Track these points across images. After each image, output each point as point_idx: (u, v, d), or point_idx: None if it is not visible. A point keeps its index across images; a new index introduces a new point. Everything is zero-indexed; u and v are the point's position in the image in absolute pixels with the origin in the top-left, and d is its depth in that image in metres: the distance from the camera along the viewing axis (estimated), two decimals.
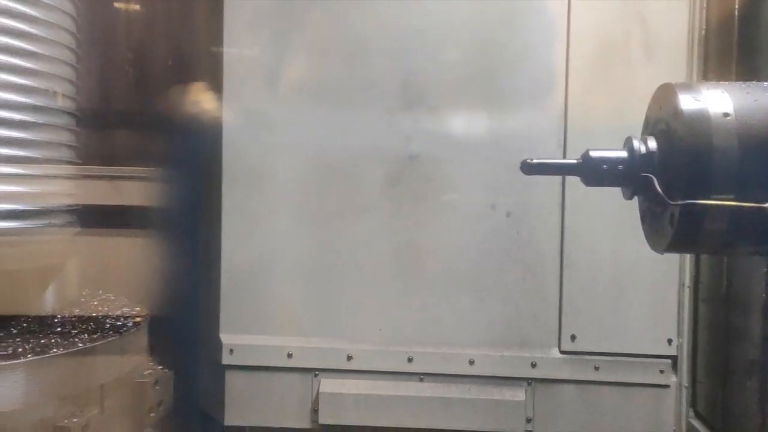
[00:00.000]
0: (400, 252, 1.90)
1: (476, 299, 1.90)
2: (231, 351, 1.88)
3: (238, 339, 1.89)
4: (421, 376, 1.91)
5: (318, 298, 1.91)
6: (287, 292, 1.91)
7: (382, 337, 1.91)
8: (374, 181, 1.89)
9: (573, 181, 1.82)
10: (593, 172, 1.10)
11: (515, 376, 1.89)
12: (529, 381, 1.89)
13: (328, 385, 1.90)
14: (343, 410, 1.88)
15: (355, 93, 1.90)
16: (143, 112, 1.91)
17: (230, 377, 1.90)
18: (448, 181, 1.90)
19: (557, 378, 1.89)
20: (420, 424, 1.88)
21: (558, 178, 1.85)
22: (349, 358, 1.91)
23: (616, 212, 1.74)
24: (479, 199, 1.89)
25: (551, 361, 1.89)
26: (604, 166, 1.09)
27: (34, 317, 1.27)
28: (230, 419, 1.89)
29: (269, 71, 1.92)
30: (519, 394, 1.88)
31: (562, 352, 1.89)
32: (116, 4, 1.87)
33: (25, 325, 1.24)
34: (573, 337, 1.89)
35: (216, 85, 1.84)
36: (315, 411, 1.90)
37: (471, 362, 1.89)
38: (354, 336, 1.91)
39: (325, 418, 1.88)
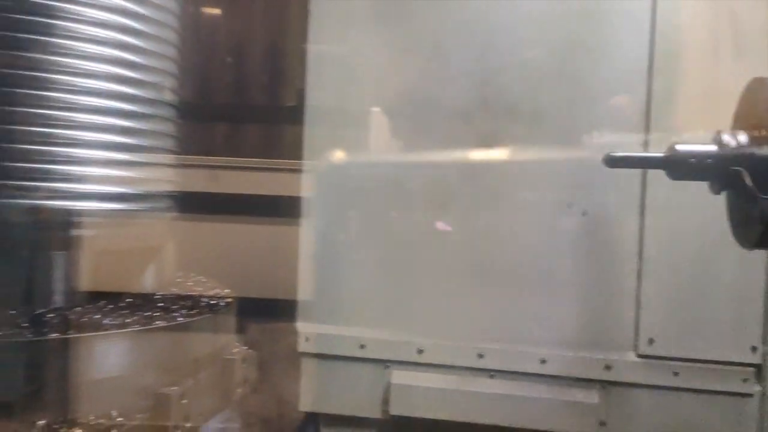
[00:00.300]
0: (474, 248, 1.91)
1: (550, 298, 1.89)
2: (306, 339, 1.94)
3: (313, 328, 1.94)
4: (492, 373, 1.90)
5: (391, 291, 1.94)
6: (362, 283, 1.95)
7: (454, 332, 1.92)
8: (450, 177, 1.91)
9: (654, 179, 1.80)
10: (680, 166, 1.09)
11: (588, 377, 1.86)
12: (603, 384, 1.86)
13: (399, 376, 1.92)
14: (414, 402, 1.90)
15: (432, 91, 1.93)
16: (236, 106, 2.00)
17: (305, 364, 1.95)
18: (525, 179, 1.90)
19: (633, 382, 1.85)
20: (490, 420, 1.88)
21: (638, 177, 1.82)
22: (420, 351, 1.93)
23: (699, 212, 1.69)
24: (555, 197, 1.88)
25: (627, 365, 1.85)
26: (692, 159, 1.08)
27: (138, 294, 1.36)
28: (304, 405, 1.94)
29: (347, 68, 1.97)
30: (592, 397, 1.85)
31: (639, 356, 1.85)
32: (213, 3, 1.97)
33: (130, 300, 1.33)
34: (651, 341, 1.84)
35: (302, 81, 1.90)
36: (386, 402, 1.93)
37: (542, 361, 1.88)
38: (426, 330, 1.93)
39: (395, 409, 1.91)
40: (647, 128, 1.81)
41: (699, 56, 1.80)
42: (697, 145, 1.08)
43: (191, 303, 1.39)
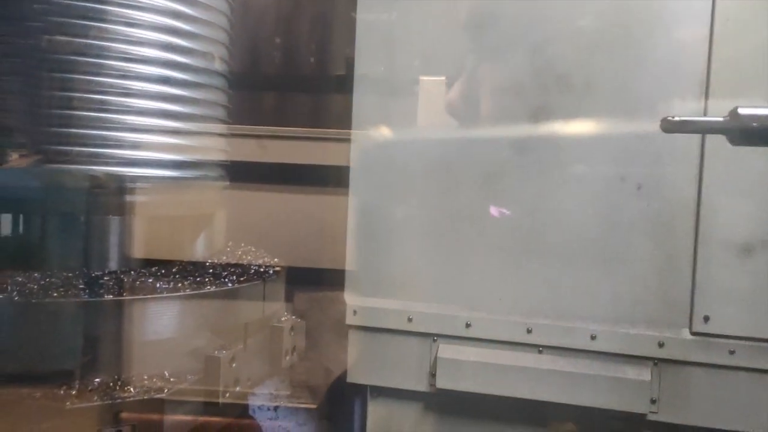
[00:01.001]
0: (524, 222, 1.88)
1: (601, 273, 1.85)
2: (354, 312, 1.95)
3: (360, 301, 1.96)
4: (540, 348, 1.89)
5: (439, 265, 1.94)
6: (409, 256, 1.95)
7: (502, 306, 1.91)
8: (499, 149, 1.88)
9: (712, 151, 1.74)
10: (742, 130, 1.05)
11: (640, 354, 1.82)
12: (656, 361, 1.82)
13: (446, 350, 1.92)
14: (461, 376, 1.90)
15: (481, 62, 1.90)
16: (285, 75, 2.01)
17: (353, 337, 1.97)
18: (576, 151, 1.86)
19: (687, 360, 1.80)
20: (538, 396, 1.86)
21: (696, 149, 1.76)
22: (468, 325, 1.92)
23: (759, 185, 1.63)
24: (608, 170, 1.83)
25: (681, 342, 1.81)
26: (755, 123, 1.04)
27: (189, 261, 1.40)
28: (352, 377, 1.97)
29: (396, 37, 1.96)
30: (644, 374, 1.81)
31: (694, 334, 1.80)
32: None
33: (181, 266, 1.37)
34: (706, 318, 1.79)
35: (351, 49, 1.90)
36: (432, 375, 1.93)
37: (593, 337, 1.85)
38: (473, 304, 1.92)
39: (442, 383, 1.91)
40: (706, 96, 1.74)
41: (761, 20, 1.72)
42: (760, 108, 1.04)
43: (241, 270, 1.41)
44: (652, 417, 1.81)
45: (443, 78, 1.91)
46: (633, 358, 1.83)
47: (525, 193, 1.88)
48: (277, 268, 1.50)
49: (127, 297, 1.18)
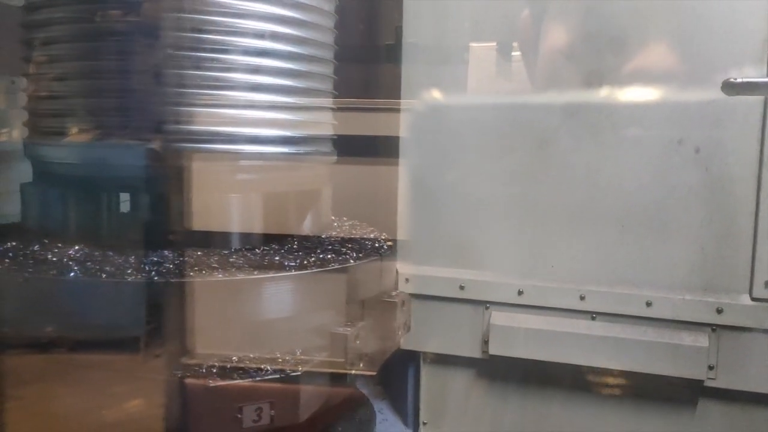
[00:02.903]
0: (577, 187, 1.86)
1: (656, 239, 1.82)
2: (407, 280, 1.98)
3: (413, 269, 1.98)
4: (594, 315, 1.88)
5: (491, 232, 1.94)
6: (461, 224, 1.95)
7: (554, 273, 1.90)
8: (552, 115, 1.86)
9: None
10: None
11: (698, 321, 1.80)
12: (714, 327, 1.79)
13: (498, 317, 1.93)
14: (513, 343, 1.91)
15: (531, 27, 1.87)
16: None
17: None
18: (630, 114, 1.82)
19: (747, 326, 1.77)
20: (591, 362, 1.86)
21: (757, 110, 1.68)
22: (520, 293, 1.92)
23: None
24: (664, 133, 1.79)
25: (740, 308, 1.77)
26: None
27: (306, 237, 1.42)
28: (406, 344, 2.00)
29: (444, 3, 1.94)
30: (701, 340, 1.79)
31: (754, 299, 1.76)
32: None
33: (297, 242, 1.38)
34: (767, 284, 1.75)
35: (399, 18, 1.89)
36: (485, 342, 1.95)
37: (648, 304, 1.83)
38: (525, 271, 1.92)
39: (495, 349, 1.92)
40: None
41: None
42: None
43: (358, 246, 1.44)
44: (709, 383, 1.79)
45: (494, 44, 1.89)
46: (690, 325, 1.80)
47: (578, 158, 1.85)
48: (389, 243, 1.51)
49: (264, 275, 1.21)
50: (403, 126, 1.94)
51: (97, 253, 1.23)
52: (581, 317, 1.88)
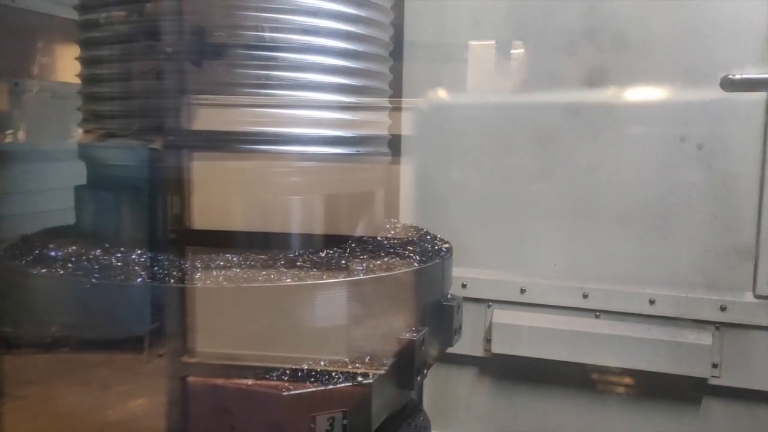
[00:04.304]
0: (579, 185, 1.85)
1: (659, 236, 1.81)
2: None
3: None
4: (597, 313, 1.87)
5: (493, 230, 1.94)
6: (462, 223, 1.95)
7: (557, 271, 1.90)
8: (554, 113, 1.85)
9: None
10: None
11: (701, 318, 1.79)
12: (717, 325, 1.78)
13: (501, 316, 1.93)
14: (516, 341, 1.91)
15: (534, 22, 1.87)
16: None
17: None
18: (632, 112, 1.82)
19: (751, 324, 1.76)
20: (595, 360, 1.86)
21: (760, 107, 1.68)
22: (523, 291, 1.92)
23: None
24: (666, 130, 1.78)
25: (744, 306, 1.76)
26: None
27: (365, 239, 1.39)
28: None
29: (446, 8, 1.94)
30: (705, 338, 1.78)
31: (757, 297, 1.75)
32: None
33: (357, 244, 1.35)
34: None
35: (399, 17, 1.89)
36: (488, 341, 1.94)
37: (651, 302, 1.82)
38: (528, 269, 1.92)
39: (498, 348, 1.92)
40: None
41: None
42: None
43: (419, 249, 1.41)
44: (713, 381, 1.78)
45: (493, 42, 1.89)
46: (694, 322, 1.80)
47: (580, 156, 1.85)
48: (447, 245, 1.49)
49: (334, 279, 1.17)
50: (406, 124, 1.94)
51: (161, 258, 1.21)
52: (585, 315, 1.88)
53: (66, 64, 1.96)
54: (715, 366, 1.78)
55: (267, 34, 1.21)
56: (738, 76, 1.07)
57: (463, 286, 1.95)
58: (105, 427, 1.16)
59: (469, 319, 1.95)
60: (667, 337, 1.80)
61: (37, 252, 1.24)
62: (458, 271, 1.94)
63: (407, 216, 1.83)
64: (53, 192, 1.81)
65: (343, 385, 1.09)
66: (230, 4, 1.21)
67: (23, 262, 1.21)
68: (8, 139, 2.10)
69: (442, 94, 1.95)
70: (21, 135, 2.10)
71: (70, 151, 1.46)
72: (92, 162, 1.39)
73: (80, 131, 1.43)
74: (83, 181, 1.42)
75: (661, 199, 1.80)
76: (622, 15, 1.78)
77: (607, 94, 1.81)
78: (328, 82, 1.28)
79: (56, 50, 2.15)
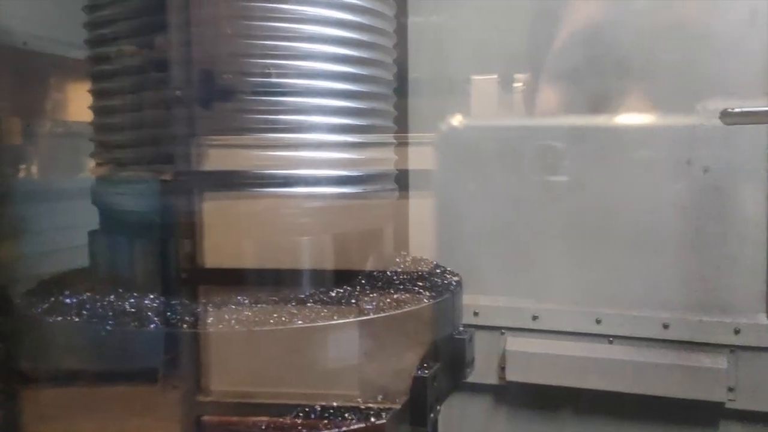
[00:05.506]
0: (587, 210, 1.86)
1: (670, 260, 1.81)
2: None
3: None
4: (611, 339, 1.87)
5: (503, 257, 1.94)
6: (473, 250, 1.96)
7: (569, 297, 1.90)
8: (560, 139, 1.86)
9: None
10: None
11: (716, 342, 1.78)
12: (732, 348, 1.77)
13: (514, 343, 1.93)
14: (530, 368, 1.90)
15: (537, 51, 1.89)
16: None
17: None
18: (638, 136, 1.82)
19: (765, 346, 1.75)
20: (610, 386, 1.85)
21: (765, 129, 1.69)
22: (535, 317, 1.92)
23: None
24: (673, 154, 1.79)
25: (759, 328, 1.75)
26: None
27: (375, 275, 1.39)
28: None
29: (448, 36, 1.96)
30: (720, 362, 1.77)
31: None
32: None
33: (366, 281, 1.36)
34: None
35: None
36: (502, 368, 1.94)
37: (665, 326, 1.81)
38: (540, 296, 1.92)
39: (512, 376, 1.92)
40: None
41: None
42: None
43: (429, 283, 1.41)
44: (730, 405, 1.77)
45: (496, 77, 1.91)
46: (708, 346, 1.79)
47: (588, 181, 1.85)
48: (457, 278, 1.49)
49: (344, 320, 1.18)
50: (411, 157, 1.95)
51: (175, 302, 1.22)
52: (598, 341, 1.87)
53: (77, 104, 2.00)
54: (731, 390, 1.76)
55: (273, 80, 1.24)
56: (737, 110, 1.07)
57: (475, 314, 1.95)
58: None
59: (483, 347, 1.95)
60: (682, 362, 1.79)
61: (53, 299, 1.26)
62: (470, 299, 1.95)
63: (417, 248, 1.84)
64: (66, 230, 1.84)
65: (356, 425, 1.09)
66: (237, 52, 1.24)
67: (39, 310, 1.23)
68: (21, 178, 2.13)
69: (446, 125, 1.96)
70: (33, 174, 2.14)
71: (82, 189, 1.49)
72: (104, 206, 1.42)
73: (92, 165, 1.46)
74: (94, 217, 1.44)
75: (671, 222, 1.80)
76: (624, 43, 1.80)
77: (612, 120, 1.82)
78: (335, 123, 1.31)
79: (68, 90, 2.20)
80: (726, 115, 1.07)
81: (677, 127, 1.78)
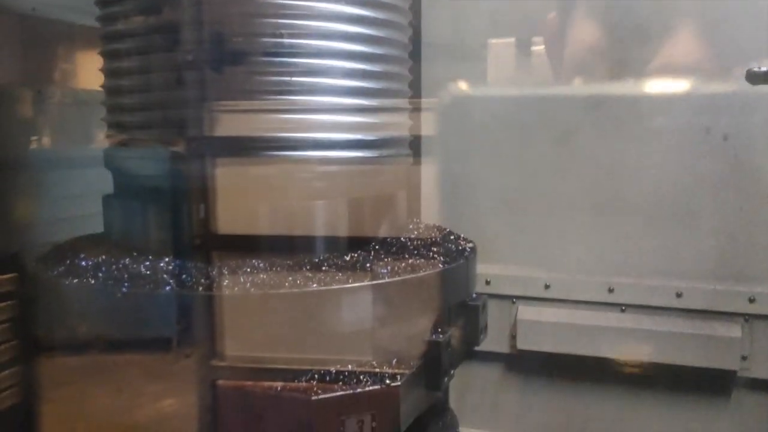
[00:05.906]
0: (602, 178, 1.84)
1: (685, 229, 1.79)
2: None
3: None
4: (623, 307, 1.86)
5: (515, 226, 1.93)
6: (485, 219, 1.95)
7: (582, 266, 1.89)
8: (576, 108, 1.84)
9: None
10: None
11: (730, 311, 1.77)
12: (746, 317, 1.76)
13: (525, 312, 1.93)
14: (541, 337, 1.90)
15: (557, 22, 1.85)
16: None
17: None
18: (655, 104, 1.80)
19: None
20: (621, 355, 1.85)
21: None
22: (547, 286, 1.91)
23: None
24: (691, 122, 1.76)
25: None
26: None
27: (389, 240, 1.39)
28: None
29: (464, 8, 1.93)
30: (734, 330, 1.76)
31: None
32: None
33: (381, 246, 1.35)
34: None
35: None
36: (513, 337, 1.94)
37: (678, 295, 1.80)
38: (552, 265, 1.91)
39: (523, 344, 1.92)
40: None
41: None
42: None
43: (443, 250, 1.40)
44: (743, 373, 1.77)
45: (513, 40, 1.88)
46: (722, 315, 1.78)
47: (604, 149, 1.83)
48: (471, 245, 1.48)
49: (359, 283, 1.17)
50: (426, 124, 1.93)
51: (189, 266, 1.22)
52: (610, 310, 1.87)
53: (87, 71, 1.98)
54: (744, 358, 1.76)
55: (286, 40, 1.22)
56: (763, 69, 1.05)
57: (487, 282, 1.95)
58: (135, 428, 1.19)
59: (494, 316, 1.95)
60: (695, 330, 1.78)
61: (68, 262, 1.26)
62: (482, 268, 1.93)
63: (430, 215, 1.83)
64: (80, 198, 1.84)
65: (371, 388, 1.10)
66: (248, 12, 1.22)
67: (56, 272, 1.23)
68: (33, 146, 2.13)
69: (461, 92, 1.94)
70: (45, 142, 2.14)
71: (95, 158, 1.49)
72: (118, 171, 1.41)
73: (104, 130, 1.45)
74: (108, 185, 1.44)
75: (687, 190, 1.78)
76: (643, 8, 1.76)
77: (629, 87, 1.79)
78: (348, 86, 1.29)
79: (77, 57, 2.18)
80: (751, 75, 1.04)
81: (696, 95, 1.75)
